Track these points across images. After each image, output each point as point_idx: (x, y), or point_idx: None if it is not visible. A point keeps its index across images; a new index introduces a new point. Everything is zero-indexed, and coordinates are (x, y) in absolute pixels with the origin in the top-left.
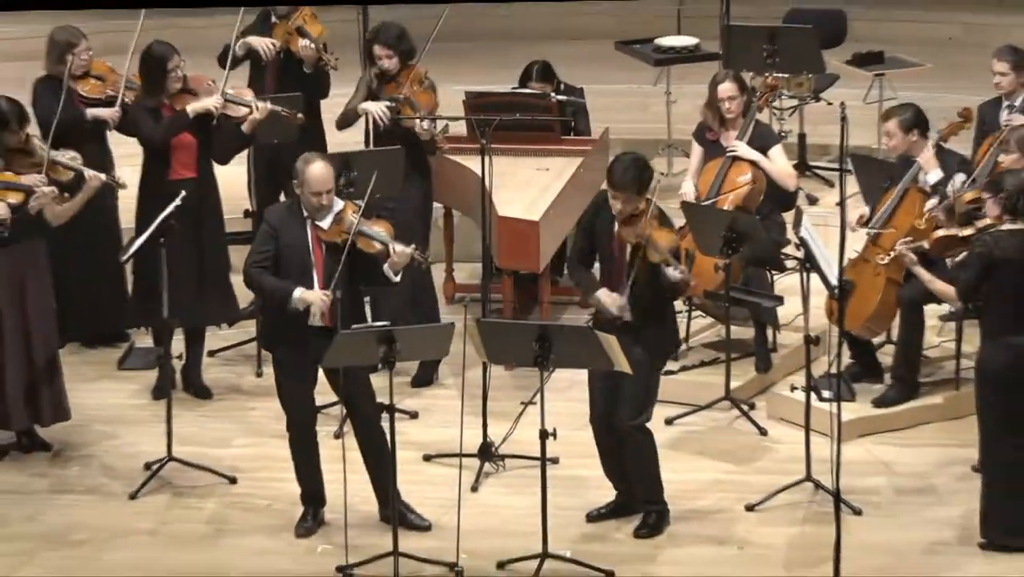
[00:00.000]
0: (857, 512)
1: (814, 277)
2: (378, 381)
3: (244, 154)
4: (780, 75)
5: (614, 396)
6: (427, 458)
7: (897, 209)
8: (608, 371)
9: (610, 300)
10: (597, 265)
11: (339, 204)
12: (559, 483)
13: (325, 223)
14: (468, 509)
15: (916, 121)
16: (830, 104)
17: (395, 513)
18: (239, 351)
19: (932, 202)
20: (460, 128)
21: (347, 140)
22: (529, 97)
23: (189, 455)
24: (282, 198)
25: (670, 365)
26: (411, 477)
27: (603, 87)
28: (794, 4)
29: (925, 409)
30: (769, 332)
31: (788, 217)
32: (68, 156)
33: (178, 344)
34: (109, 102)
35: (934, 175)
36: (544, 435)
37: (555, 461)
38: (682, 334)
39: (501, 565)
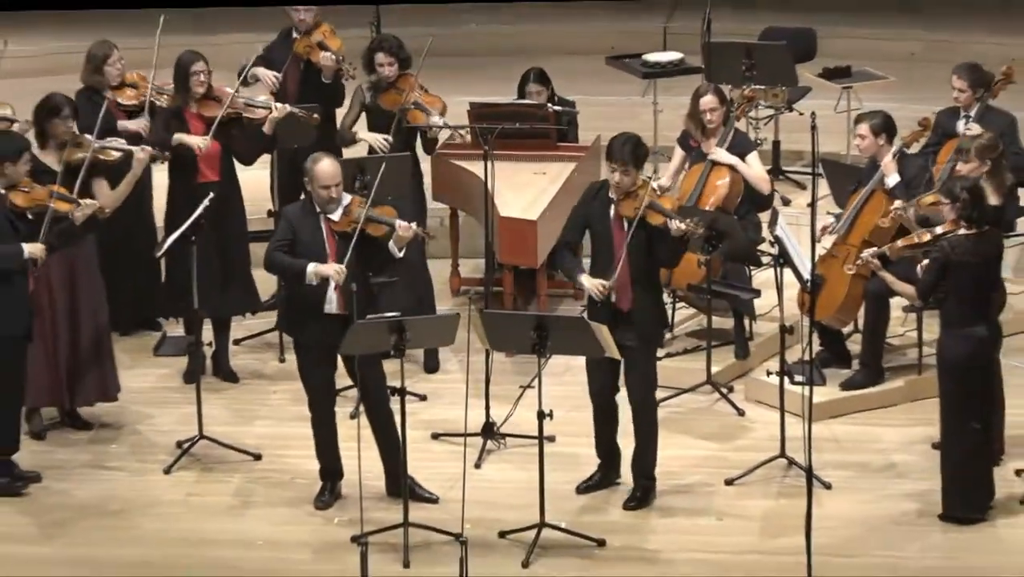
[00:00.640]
0: (827, 486)
1: (788, 272)
2: (391, 366)
3: (267, 159)
4: (757, 87)
5: (613, 372)
6: (435, 437)
7: (863, 209)
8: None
9: (591, 284)
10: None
11: (347, 198)
12: (555, 460)
13: (336, 215)
14: (472, 483)
15: (885, 126)
16: (802, 114)
17: (405, 487)
18: (262, 339)
19: (898, 202)
20: (465, 135)
21: (360, 147)
22: (528, 107)
23: (218, 434)
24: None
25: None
26: (420, 454)
27: (596, 98)
28: (769, 23)
29: (889, 392)
30: (747, 322)
31: (764, 217)
32: (113, 142)
33: (207, 333)
34: (140, 109)
35: (892, 179)
36: (541, 416)
37: (551, 439)
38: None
39: (502, 535)
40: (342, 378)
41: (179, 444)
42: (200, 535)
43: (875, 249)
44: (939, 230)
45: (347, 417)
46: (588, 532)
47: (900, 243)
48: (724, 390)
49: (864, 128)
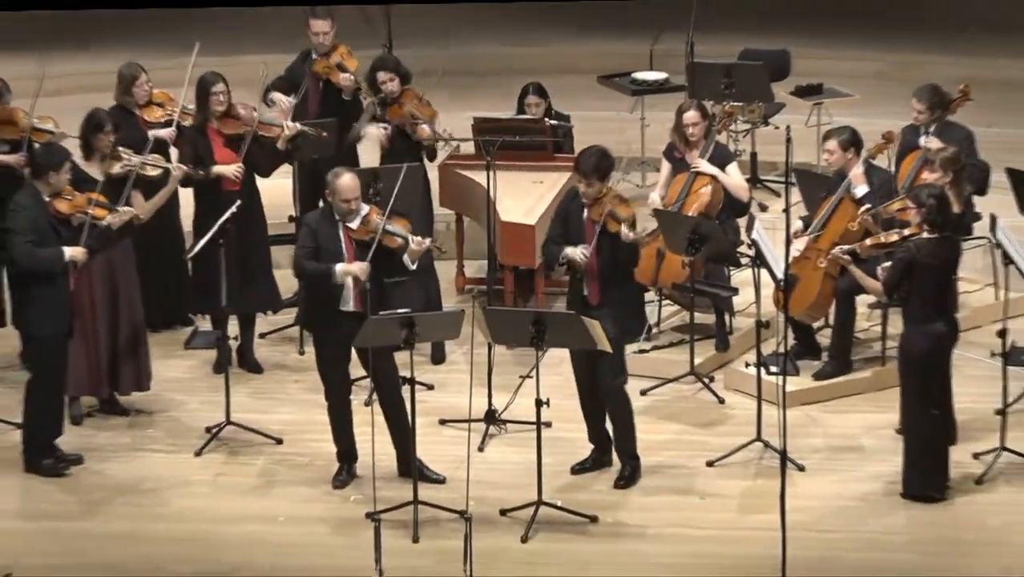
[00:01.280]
0: (800, 468)
1: (764, 272)
2: (401, 357)
3: (289, 169)
4: (735, 104)
5: (592, 368)
6: (442, 422)
7: (833, 215)
8: (584, 349)
9: (573, 251)
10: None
11: (365, 208)
12: (551, 444)
13: (354, 224)
14: (475, 465)
15: (852, 141)
16: (777, 128)
17: (415, 468)
18: (284, 334)
19: (866, 207)
20: (469, 147)
21: (373, 158)
22: (527, 122)
23: (243, 420)
24: (320, 205)
25: (643, 345)
26: (428, 439)
27: (589, 113)
28: (746, 45)
29: (856, 382)
30: (726, 318)
31: (742, 222)
32: (153, 158)
33: (233, 328)
34: (168, 123)
35: (861, 189)
36: (539, 403)
37: (548, 425)
38: (653, 319)
39: (503, 512)
40: (356, 368)
41: (208, 429)
42: (227, 512)
43: (846, 246)
44: (906, 232)
45: (362, 405)
46: (582, 509)
47: (869, 242)
48: (706, 380)
49: (833, 144)
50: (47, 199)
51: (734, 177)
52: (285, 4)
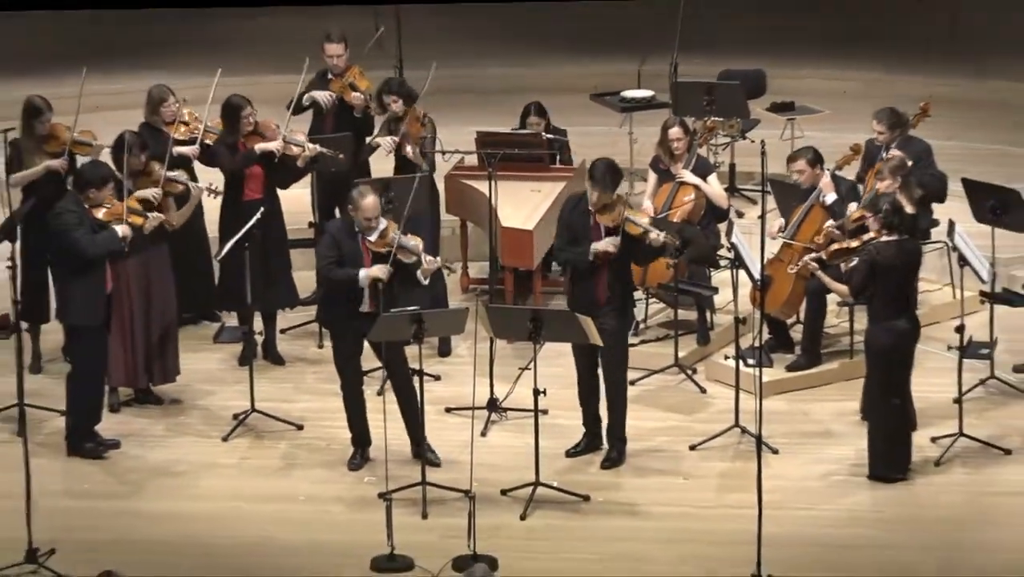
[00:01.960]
0: (774, 451)
1: (742, 273)
2: (410, 351)
3: (308, 178)
4: (716, 119)
5: (594, 359)
6: (448, 410)
7: (804, 221)
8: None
9: (603, 243)
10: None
11: (383, 223)
12: (547, 429)
13: (373, 237)
14: (478, 449)
15: (817, 158)
16: (753, 141)
17: (424, 452)
18: (303, 329)
19: (830, 221)
20: (473, 159)
21: (385, 168)
22: (526, 136)
23: (267, 408)
24: (336, 212)
25: (631, 339)
26: (435, 425)
27: (582, 128)
28: (726, 66)
29: (826, 373)
30: (707, 315)
31: (722, 227)
32: (177, 173)
33: (257, 324)
34: (193, 141)
35: (831, 197)
36: (536, 393)
37: (545, 412)
38: (640, 316)
39: (504, 492)
40: (370, 361)
41: (235, 416)
42: (252, 491)
43: (814, 254)
44: (866, 237)
45: (375, 394)
46: (575, 489)
47: (834, 248)
48: (689, 371)
49: (801, 164)
50: (87, 207)
51: (714, 187)
52: (300, 4)
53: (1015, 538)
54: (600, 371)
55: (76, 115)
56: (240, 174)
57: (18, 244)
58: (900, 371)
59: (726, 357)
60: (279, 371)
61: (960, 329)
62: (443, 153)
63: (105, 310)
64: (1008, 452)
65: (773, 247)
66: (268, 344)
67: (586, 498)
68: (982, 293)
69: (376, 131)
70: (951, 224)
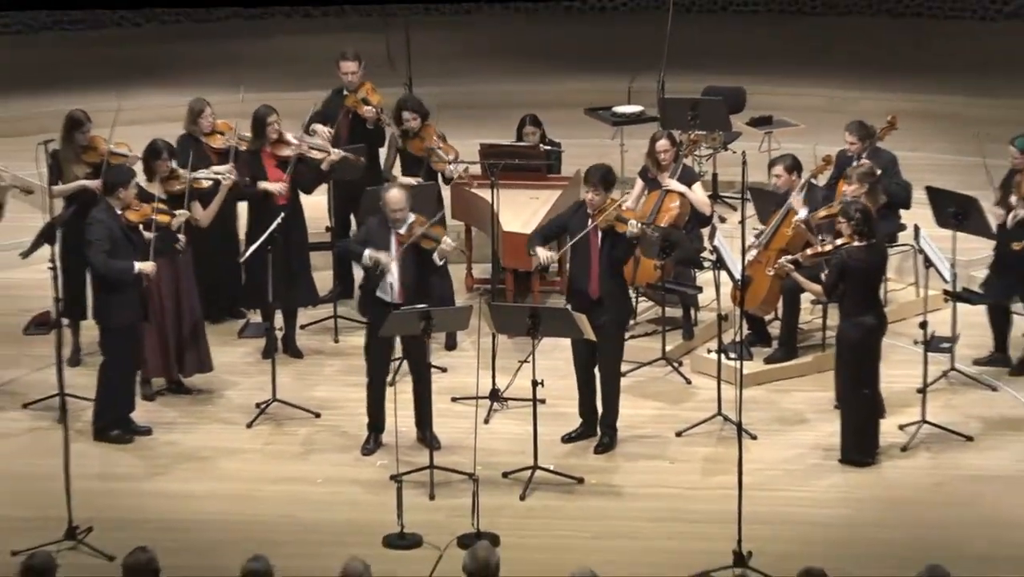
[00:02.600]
0: (753, 437)
1: (723, 273)
2: None
3: (325, 188)
4: (699, 132)
5: (592, 352)
6: (454, 400)
7: (781, 225)
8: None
9: (543, 254)
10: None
11: (411, 217)
12: (545, 417)
13: (402, 229)
14: (481, 435)
15: (795, 165)
16: (734, 152)
17: (431, 437)
18: (321, 325)
19: (799, 216)
20: (476, 169)
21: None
22: (524, 148)
23: (287, 397)
24: (351, 218)
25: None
26: (442, 413)
27: (576, 140)
28: (709, 83)
29: (801, 365)
30: (692, 312)
31: (706, 232)
32: (203, 172)
33: (279, 320)
34: (227, 150)
35: (802, 214)
36: (535, 384)
37: (543, 401)
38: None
39: (505, 475)
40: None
41: (258, 405)
42: (274, 474)
43: (790, 256)
44: (839, 241)
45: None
46: (570, 472)
47: (809, 251)
48: (675, 364)
49: (780, 169)
50: (119, 212)
51: (699, 194)
52: (309, 4)
53: (974, 516)
54: (597, 365)
55: (112, 128)
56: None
57: (58, 247)
58: (869, 363)
59: (709, 351)
60: (299, 364)
61: (924, 325)
62: (453, 174)
63: (137, 311)
64: (969, 438)
65: (751, 254)
66: (288, 339)
67: (580, 480)
68: (944, 292)
69: (389, 145)
70: (916, 228)
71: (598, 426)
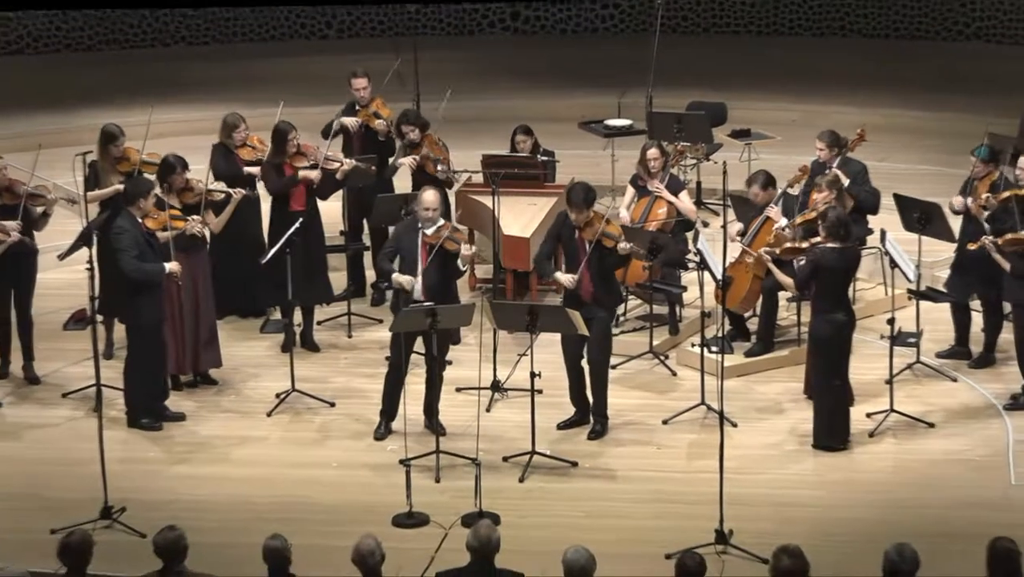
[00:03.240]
0: (734, 425)
1: (707, 274)
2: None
3: (340, 195)
4: (685, 144)
5: (580, 348)
6: (458, 390)
7: (760, 230)
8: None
9: (565, 278)
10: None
11: (441, 220)
12: (542, 406)
13: (430, 231)
14: (484, 423)
15: (768, 181)
16: (716, 163)
17: (437, 424)
18: (336, 321)
19: (779, 224)
20: (479, 177)
21: (405, 184)
22: (523, 158)
23: (304, 388)
24: (364, 222)
25: (613, 330)
26: (447, 402)
27: (571, 151)
28: (693, 98)
29: (777, 359)
30: (677, 309)
31: (690, 235)
32: (217, 184)
33: (297, 316)
34: (258, 162)
35: (783, 222)
36: (533, 375)
37: (540, 392)
38: (620, 310)
39: (505, 459)
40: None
41: (277, 395)
42: (292, 459)
43: (769, 249)
44: (814, 240)
45: None
46: (565, 457)
47: (787, 246)
48: (662, 357)
49: (756, 188)
50: (140, 220)
51: (685, 201)
52: (318, 4)
53: (938, 497)
54: (585, 359)
55: (144, 140)
56: (279, 194)
57: (95, 249)
58: (839, 357)
59: (693, 345)
60: (315, 357)
61: (891, 321)
62: (444, 176)
63: (162, 309)
64: (932, 425)
65: (733, 252)
66: (306, 334)
67: (574, 464)
68: (909, 291)
69: (397, 153)
70: (883, 232)
71: (590, 414)
